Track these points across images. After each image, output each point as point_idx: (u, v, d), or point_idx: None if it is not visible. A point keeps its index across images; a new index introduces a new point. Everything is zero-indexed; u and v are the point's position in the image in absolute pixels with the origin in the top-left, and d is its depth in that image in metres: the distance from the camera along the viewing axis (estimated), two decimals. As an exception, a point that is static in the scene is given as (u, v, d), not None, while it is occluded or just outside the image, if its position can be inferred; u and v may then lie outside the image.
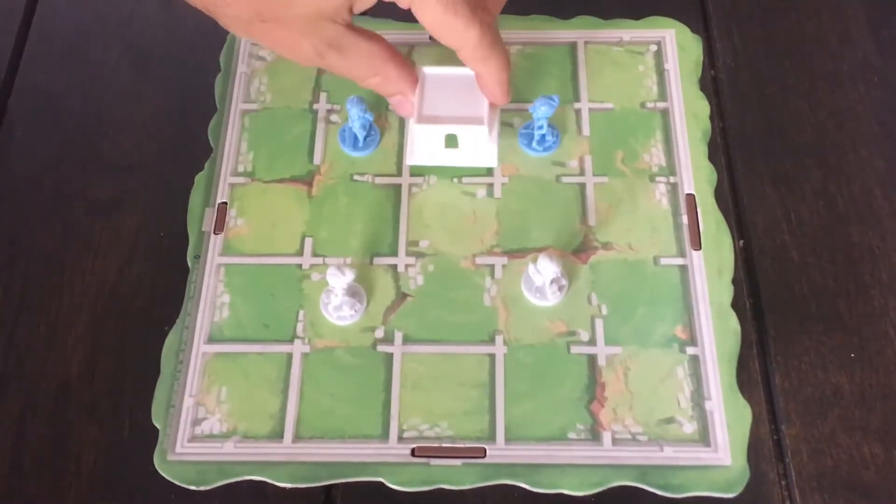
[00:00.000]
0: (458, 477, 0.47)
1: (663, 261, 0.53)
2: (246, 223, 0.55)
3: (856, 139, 0.59)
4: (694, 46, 0.61)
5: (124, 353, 0.52)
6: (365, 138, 0.57)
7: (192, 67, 0.62)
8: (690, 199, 0.55)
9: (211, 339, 0.51)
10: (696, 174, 0.56)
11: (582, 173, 0.56)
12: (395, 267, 0.53)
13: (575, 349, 0.51)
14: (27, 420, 0.51)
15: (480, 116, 0.53)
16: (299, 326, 0.52)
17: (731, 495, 0.47)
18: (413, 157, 0.56)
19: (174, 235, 0.56)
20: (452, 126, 0.53)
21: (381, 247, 0.54)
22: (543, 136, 0.56)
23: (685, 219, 0.55)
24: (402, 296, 0.53)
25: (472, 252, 0.54)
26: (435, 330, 0.51)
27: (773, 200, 0.57)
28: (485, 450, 0.48)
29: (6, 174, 0.59)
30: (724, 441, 0.48)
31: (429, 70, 0.54)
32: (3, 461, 0.49)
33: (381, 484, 0.47)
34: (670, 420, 0.49)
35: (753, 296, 0.54)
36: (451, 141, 0.54)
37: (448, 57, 0.60)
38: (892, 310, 0.53)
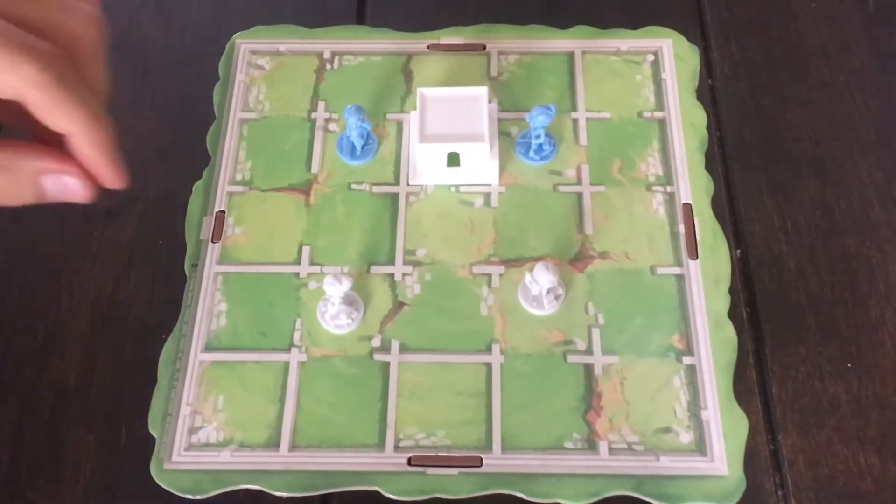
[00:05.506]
0: (454, 486, 0.47)
1: (660, 270, 0.53)
2: (244, 232, 0.55)
3: (853, 149, 0.59)
4: (691, 56, 0.61)
5: (121, 361, 0.52)
6: (363, 147, 0.57)
7: (191, 76, 0.62)
8: (687, 208, 0.55)
9: (208, 348, 0.51)
10: (693, 184, 0.56)
11: (579, 182, 0.56)
12: (392, 276, 0.53)
13: (571, 358, 0.51)
14: (24, 428, 0.51)
15: (481, 133, 0.53)
16: (296, 335, 0.52)
17: (727, 505, 0.47)
18: (416, 177, 0.56)
19: (172, 244, 0.56)
20: (454, 144, 0.53)
21: (378, 255, 0.54)
22: (541, 145, 0.56)
23: (682, 228, 0.55)
24: (399, 304, 0.53)
25: (469, 261, 0.54)
26: (432, 339, 0.51)
27: (771, 210, 0.57)
28: (481, 459, 0.48)
29: (5, 182, 0.59)
30: (720, 451, 0.48)
31: (427, 91, 0.55)
32: (1, 469, 0.49)
33: (378, 493, 0.47)
34: (667, 430, 0.49)
35: (750, 305, 0.54)
36: (453, 159, 0.55)
37: (445, 70, 0.61)
38: (889, 319, 0.53)
